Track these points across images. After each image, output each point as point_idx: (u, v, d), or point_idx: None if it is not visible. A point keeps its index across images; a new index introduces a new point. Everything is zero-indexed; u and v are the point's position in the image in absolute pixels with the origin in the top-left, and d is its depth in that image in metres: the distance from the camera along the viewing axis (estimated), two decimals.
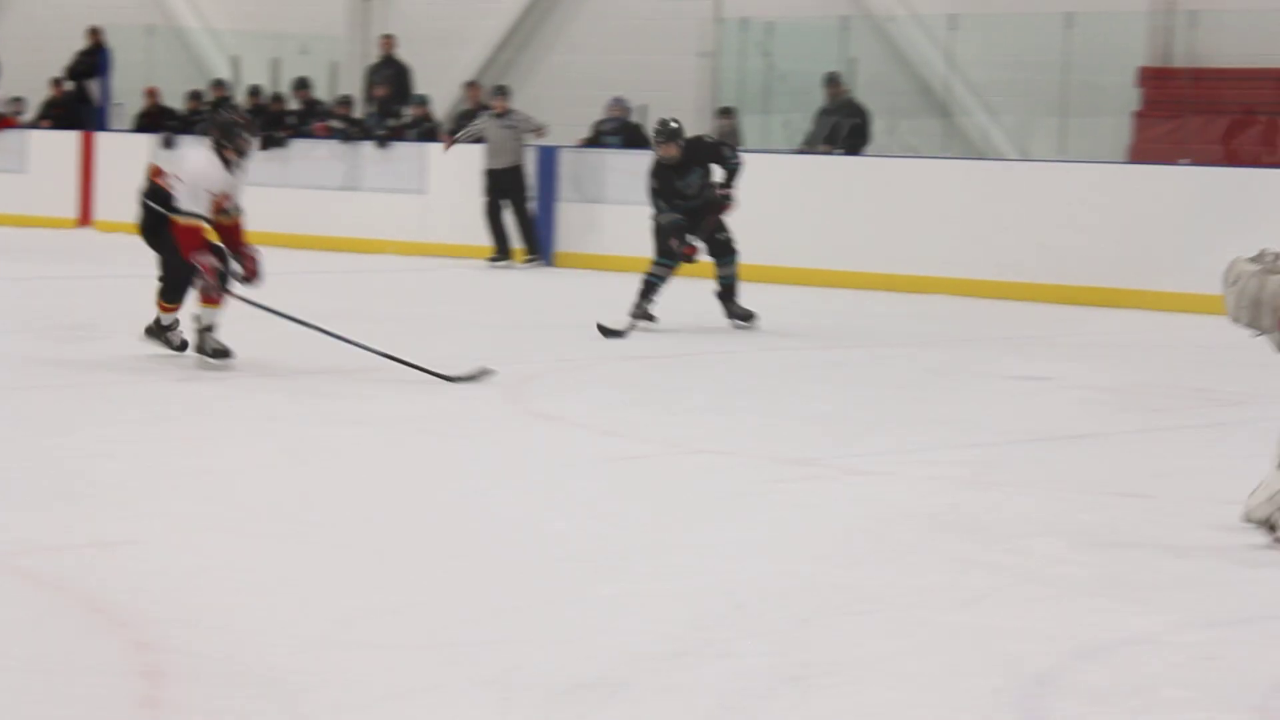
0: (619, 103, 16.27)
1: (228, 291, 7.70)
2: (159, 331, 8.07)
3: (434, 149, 15.63)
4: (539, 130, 14.75)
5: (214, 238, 7.70)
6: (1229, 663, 3.86)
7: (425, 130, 16.22)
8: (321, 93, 17.56)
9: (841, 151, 14.86)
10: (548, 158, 15.46)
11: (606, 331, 9.34)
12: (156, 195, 7.85)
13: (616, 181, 15.37)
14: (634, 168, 15.84)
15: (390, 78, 16.83)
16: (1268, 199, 12.60)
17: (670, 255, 10.39)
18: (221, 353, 7.88)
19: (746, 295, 10.51)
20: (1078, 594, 4.39)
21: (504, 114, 14.78)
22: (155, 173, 8.04)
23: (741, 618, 4.13)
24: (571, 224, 15.55)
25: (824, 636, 4.00)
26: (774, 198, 13.77)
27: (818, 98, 15.72)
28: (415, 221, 15.61)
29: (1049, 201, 12.60)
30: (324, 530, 4.90)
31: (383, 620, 3.92)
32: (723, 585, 4.41)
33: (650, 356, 9.20)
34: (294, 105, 16.96)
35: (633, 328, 9.77)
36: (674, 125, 10.83)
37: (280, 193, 15.80)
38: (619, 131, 16.18)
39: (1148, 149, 14.60)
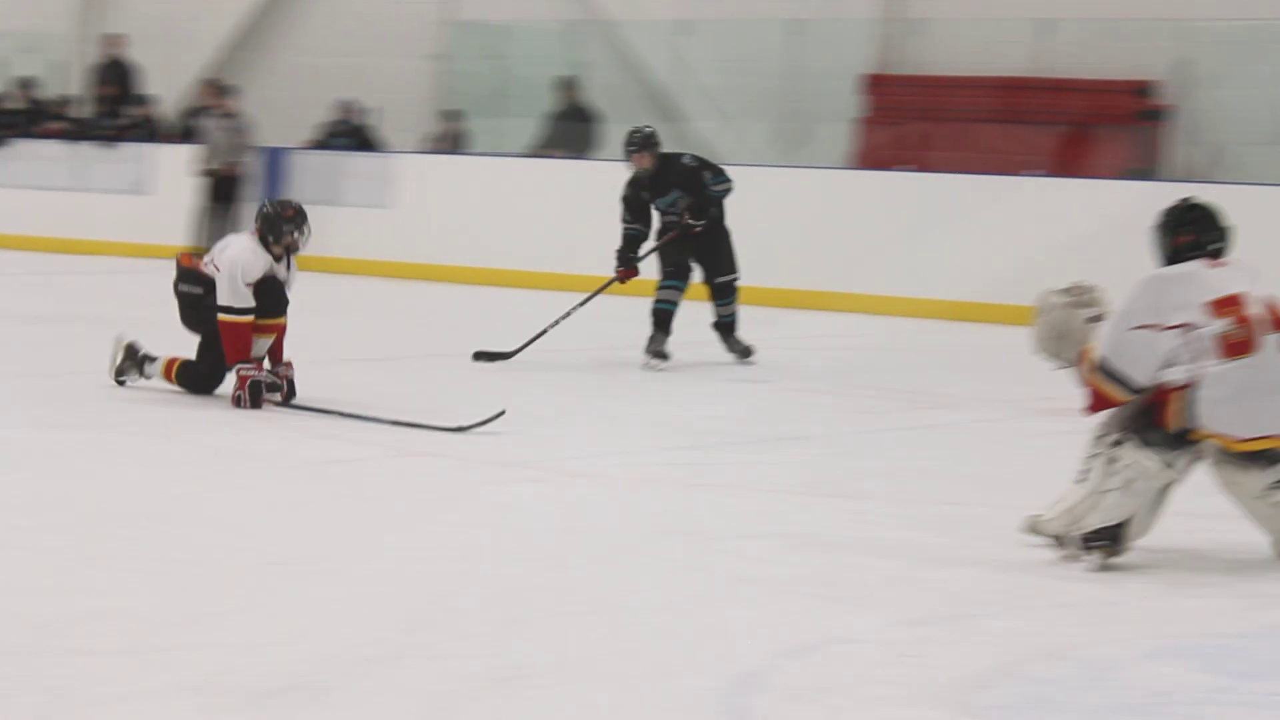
0: (348, 105, 16.41)
1: (259, 406, 7.16)
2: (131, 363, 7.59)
3: (158, 149, 15.61)
4: (246, 139, 14.90)
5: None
6: (931, 660, 3.99)
7: (149, 130, 16.12)
8: (47, 92, 17.45)
9: (571, 155, 15.12)
10: (276, 159, 15.45)
11: (486, 356, 8.80)
12: (191, 278, 7.37)
13: (346, 184, 15.59)
14: (364, 170, 16.16)
15: (115, 77, 16.70)
16: (986, 204, 13.12)
17: (677, 276, 9.53)
18: None
19: (472, 300, 10.47)
20: (786, 594, 4.49)
21: (228, 115, 14.73)
22: (187, 259, 7.59)
23: (451, 619, 4.15)
24: None
25: (534, 637, 4.04)
26: (505, 201, 13.98)
27: (548, 101, 16.02)
28: (139, 222, 15.55)
29: (772, 206, 12.92)
30: (25, 534, 4.81)
31: (85, 626, 3.86)
32: (434, 587, 4.44)
33: (371, 359, 9.18)
34: (18, 104, 16.78)
35: (650, 366, 9.19)
36: (647, 131, 9.69)
37: (4, 193, 15.88)
38: (348, 134, 16.32)
39: (870, 155, 15.01)
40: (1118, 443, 5.39)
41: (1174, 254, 5.41)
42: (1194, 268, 5.31)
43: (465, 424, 6.72)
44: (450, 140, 16.78)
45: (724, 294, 9.33)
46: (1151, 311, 5.32)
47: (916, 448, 7.17)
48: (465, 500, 5.80)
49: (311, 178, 15.54)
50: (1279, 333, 5.18)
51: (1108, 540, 5.25)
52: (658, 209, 9.56)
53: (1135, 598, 4.80)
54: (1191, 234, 5.45)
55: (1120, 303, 5.39)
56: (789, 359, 9.85)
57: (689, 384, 8.83)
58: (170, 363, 7.38)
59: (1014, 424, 8.27)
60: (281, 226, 7.27)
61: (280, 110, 17.11)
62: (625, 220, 9.53)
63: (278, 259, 7.27)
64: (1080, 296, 5.74)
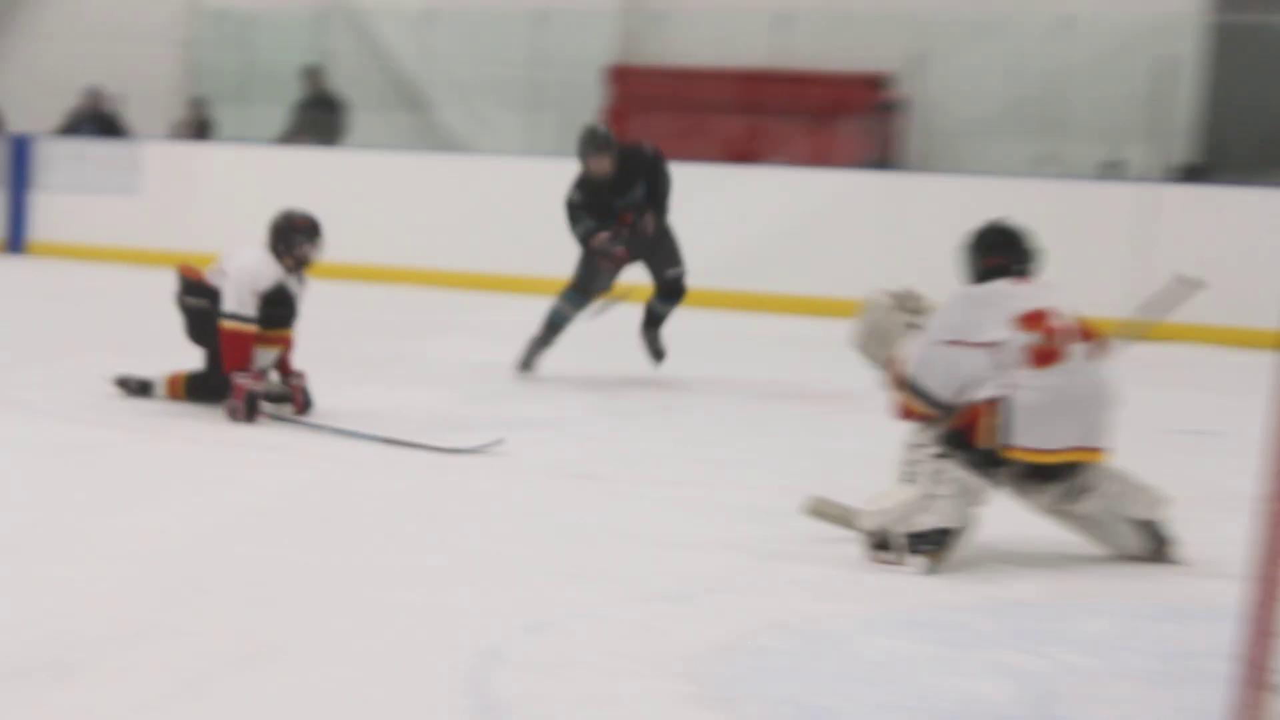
0: (94, 91, 16.45)
1: (253, 419, 6.95)
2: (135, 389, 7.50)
3: None
4: None
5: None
6: (665, 634, 4.16)
7: None
8: None
9: (318, 143, 15.40)
10: (21, 147, 15.52)
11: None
12: (197, 291, 7.21)
13: (92, 171, 15.73)
14: (110, 157, 16.22)
15: None
16: (725, 191, 13.61)
17: (583, 291, 8.78)
18: None
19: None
20: (528, 573, 4.65)
21: None
22: (189, 270, 7.35)
23: (200, 599, 4.21)
24: (48, 214, 15.79)
25: (282, 617, 4.13)
26: (251, 190, 14.11)
27: (295, 90, 16.20)
28: None
29: (519, 195, 13.30)
30: None
31: None
32: (183, 567, 4.50)
33: (111, 347, 9.23)
34: None
35: (525, 367, 8.72)
36: (603, 131, 8.88)
37: None
38: (94, 120, 16.40)
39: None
40: (944, 454, 5.45)
41: (983, 274, 5.49)
42: (1001, 286, 5.39)
43: (463, 446, 6.58)
44: (197, 128, 16.82)
45: (674, 291, 8.79)
46: (959, 329, 5.42)
47: (658, 431, 7.38)
48: (216, 483, 5.88)
49: (58, 165, 15.67)
50: (1086, 343, 5.30)
51: (935, 545, 5.32)
52: (617, 208, 8.83)
53: (866, 574, 5.02)
54: (1002, 256, 5.52)
55: (931, 320, 5.49)
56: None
57: (418, 369, 9.05)
58: (173, 379, 7.27)
59: (751, 407, 8.53)
60: (293, 238, 7.18)
61: (26, 98, 17.12)
62: (583, 225, 8.67)
63: (289, 270, 7.19)
64: (906, 303, 5.87)
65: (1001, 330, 5.26)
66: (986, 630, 4.61)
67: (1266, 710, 3.52)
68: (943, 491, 5.35)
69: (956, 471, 5.35)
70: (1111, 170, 14.77)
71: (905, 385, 5.46)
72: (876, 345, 5.77)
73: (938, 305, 5.66)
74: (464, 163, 15.54)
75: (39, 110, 16.63)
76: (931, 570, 5.18)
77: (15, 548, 4.62)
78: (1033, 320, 5.05)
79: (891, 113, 15.44)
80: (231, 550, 4.80)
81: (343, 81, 16.50)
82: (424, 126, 17.00)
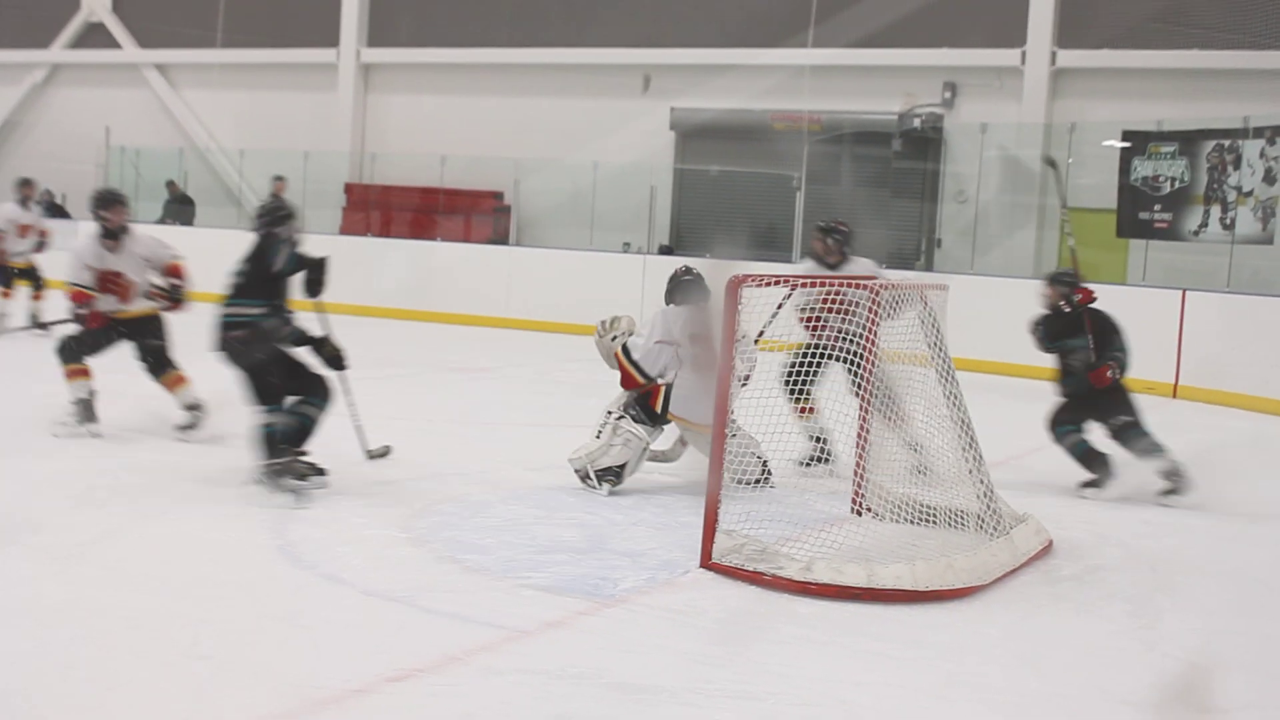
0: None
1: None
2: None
3: None
4: None
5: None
6: (388, 505, 7.24)
7: None
8: None
9: (180, 224, 21.52)
10: None
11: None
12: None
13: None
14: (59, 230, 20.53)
15: None
16: (414, 253, 19.70)
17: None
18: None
19: None
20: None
21: None
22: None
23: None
24: None
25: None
26: None
27: (164, 193, 22.82)
28: None
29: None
30: None
31: None
32: None
33: None
34: None
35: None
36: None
37: None
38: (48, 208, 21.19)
39: (350, 228, 22.22)
40: (622, 416, 7.56)
41: (669, 302, 7.73)
42: (678, 310, 7.58)
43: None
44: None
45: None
46: (666, 333, 7.61)
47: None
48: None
49: None
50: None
51: (613, 476, 7.52)
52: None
53: (509, 473, 8.71)
54: (680, 295, 7.70)
55: (648, 325, 7.65)
56: None
57: None
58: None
59: (426, 376, 11.67)
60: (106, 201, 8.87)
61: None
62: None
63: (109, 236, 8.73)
64: (610, 328, 7.93)
65: (681, 339, 7.37)
66: (565, 500, 7.46)
67: (715, 543, 6.14)
68: (617, 441, 7.44)
69: (631, 427, 7.49)
70: (627, 247, 20.78)
71: (630, 364, 7.55)
72: (604, 355, 7.93)
73: (631, 321, 7.92)
74: None
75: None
76: (611, 492, 7.48)
77: None
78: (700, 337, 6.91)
79: (503, 213, 22.40)
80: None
81: (193, 189, 23.50)
82: (242, 216, 23.29)
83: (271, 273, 7.58)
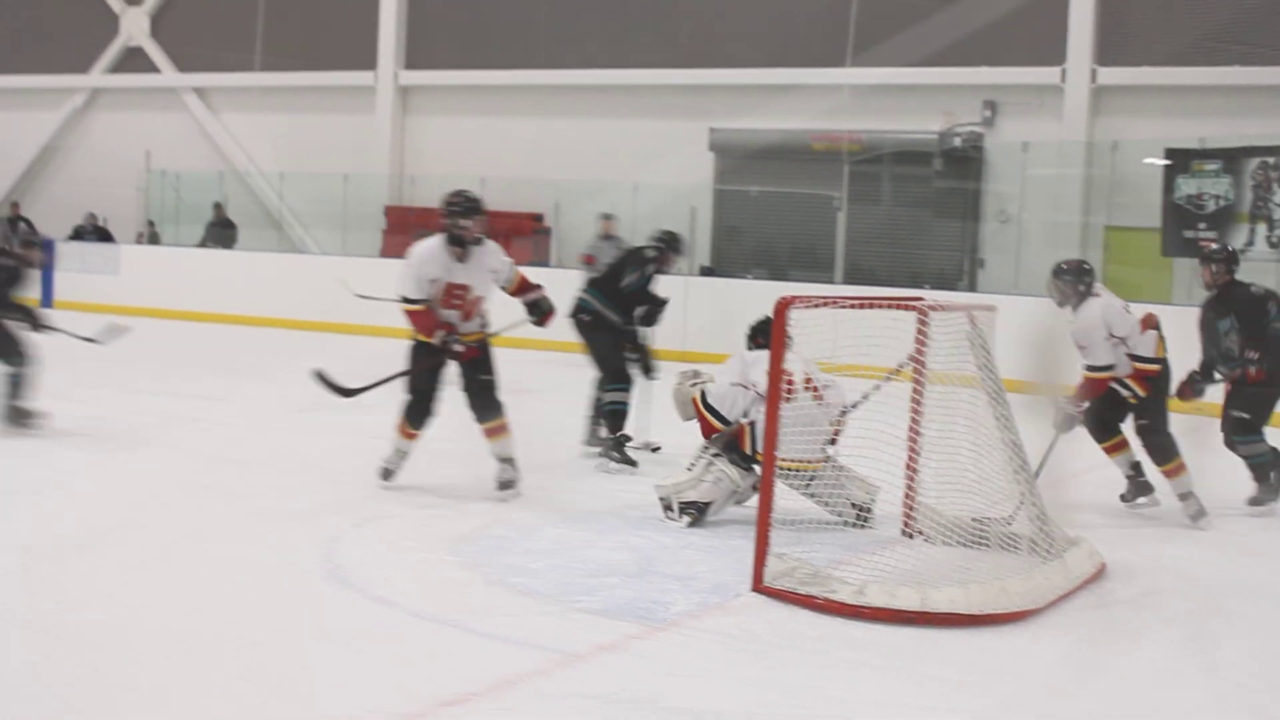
0: (90, 215, 23.38)
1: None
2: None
3: None
4: None
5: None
6: (436, 527, 7.51)
7: None
8: None
9: (221, 247, 22.10)
10: (49, 246, 20.24)
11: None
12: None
13: (92, 261, 22.05)
14: (101, 253, 22.03)
15: None
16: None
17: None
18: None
19: None
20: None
21: None
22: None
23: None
24: (64, 285, 21.31)
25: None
26: (183, 274, 21.20)
27: (208, 215, 23.06)
28: None
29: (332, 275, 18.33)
30: None
31: None
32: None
33: None
34: None
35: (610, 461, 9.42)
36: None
37: None
38: (93, 231, 22.98)
39: (391, 250, 21.20)
40: (719, 454, 7.45)
41: (751, 346, 7.69)
42: (760, 354, 7.24)
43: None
44: (150, 237, 23.44)
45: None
46: (740, 376, 7.56)
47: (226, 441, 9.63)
48: None
49: (70, 257, 21.82)
50: (809, 390, 7.21)
51: (695, 511, 7.45)
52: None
53: (551, 494, 8.17)
54: (761, 339, 7.57)
55: (724, 370, 7.65)
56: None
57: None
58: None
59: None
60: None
61: (51, 218, 23.55)
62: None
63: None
64: (688, 379, 8.02)
65: (760, 380, 7.05)
66: (613, 524, 7.52)
67: (767, 566, 6.11)
68: (709, 478, 7.37)
69: (725, 467, 7.43)
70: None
71: (704, 413, 7.54)
72: (681, 407, 7.95)
73: (712, 374, 7.80)
74: (304, 259, 22.17)
75: (58, 224, 23.69)
76: (690, 525, 7.41)
77: None
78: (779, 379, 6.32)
79: (543, 235, 22.47)
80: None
81: (233, 212, 23.71)
82: (282, 239, 24.33)
83: (618, 285, 9.16)
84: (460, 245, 7.88)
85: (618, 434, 9.22)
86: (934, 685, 5.36)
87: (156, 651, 5.19)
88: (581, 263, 15.82)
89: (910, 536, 7.24)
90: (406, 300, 7.91)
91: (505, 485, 8.18)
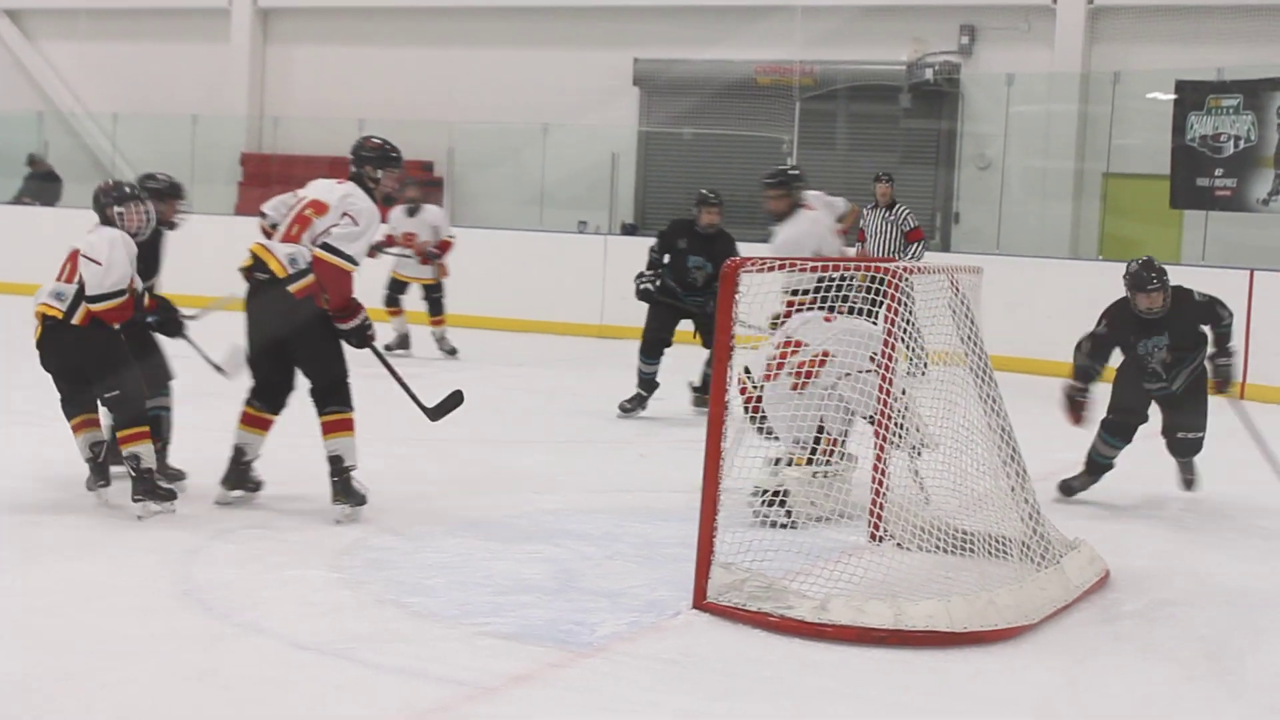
0: None
1: None
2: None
3: None
4: None
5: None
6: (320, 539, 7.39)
7: None
8: None
9: (42, 204, 21.65)
10: None
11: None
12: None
13: None
14: None
15: None
16: None
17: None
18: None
19: None
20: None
21: None
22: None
23: None
24: None
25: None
26: None
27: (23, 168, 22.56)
28: None
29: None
30: None
31: None
32: None
33: None
34: None
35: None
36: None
37: None
38: None
39: (247, 207, 20.67)
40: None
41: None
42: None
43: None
44: None
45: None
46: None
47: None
48: None
49: None
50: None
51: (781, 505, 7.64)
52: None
53: (439, 504, 8.20)
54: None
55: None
56: None
57: None
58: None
59: None
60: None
61: None
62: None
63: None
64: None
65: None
66: (526, 531, 7.64)
67: (711, 578, 6.22)
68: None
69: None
70: (584, 227, 20.94)
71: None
72: None
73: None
74: None
75: None
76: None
77: None
78: None
79: (433, 187, 21.80)
80: None
81: (55, 161, 23.28)
82: None
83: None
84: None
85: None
86: (911, 715, 5.43)
87: None
88: None
89: (880, 541, 7.28)
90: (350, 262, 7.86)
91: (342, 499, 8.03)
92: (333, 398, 7.93)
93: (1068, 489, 9.36)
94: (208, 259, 14.05)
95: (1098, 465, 9.38)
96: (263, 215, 8.09)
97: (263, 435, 8.18)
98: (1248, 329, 14.43)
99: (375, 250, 12.16)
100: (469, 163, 22.82)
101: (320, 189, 7.90)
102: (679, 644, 6.09)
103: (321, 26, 24.40)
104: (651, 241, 12.08)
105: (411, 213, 15.74)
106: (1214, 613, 7.00)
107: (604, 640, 6.08)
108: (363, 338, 7.91)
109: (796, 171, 10.38)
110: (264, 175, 22.96)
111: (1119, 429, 9.35)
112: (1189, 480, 9.42)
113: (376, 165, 7.87)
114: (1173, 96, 18.25)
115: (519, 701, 5.38)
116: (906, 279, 7.18)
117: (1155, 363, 9.15)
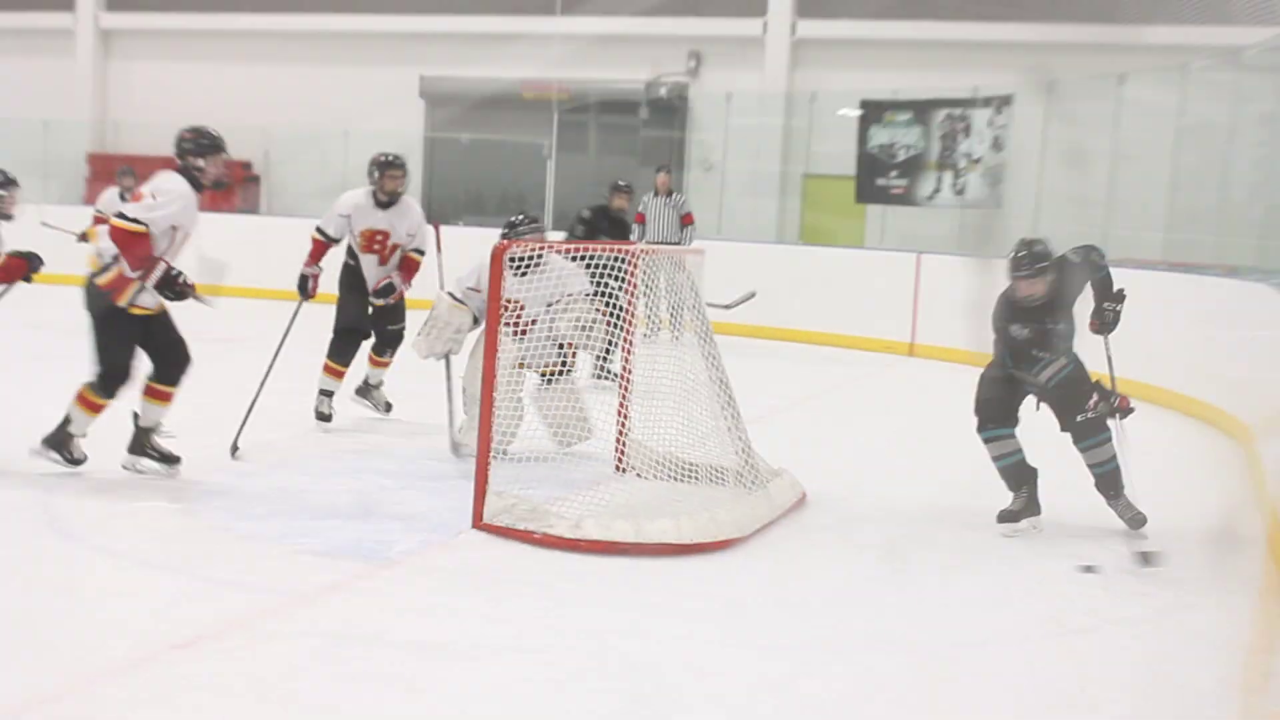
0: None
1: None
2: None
3: None
4: None
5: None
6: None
7: None
8: None
9: None
10: None
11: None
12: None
13: None
14: None
15: None
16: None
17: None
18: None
19: None
20: None
21: None
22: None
23: None
24: None
25: None
26: None
27: None
28: None
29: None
30: None
31: None
32: None
33: None
34: None
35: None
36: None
37: None
38: None
39: (95, 199, 19.08)
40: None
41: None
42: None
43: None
44: None
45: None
46: (479, 281, 7.92)
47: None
48: None
49: None
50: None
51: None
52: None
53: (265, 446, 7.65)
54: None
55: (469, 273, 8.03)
56: None
57: None
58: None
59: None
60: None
61: None
62: None
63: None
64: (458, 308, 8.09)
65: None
66: (334, 467, 7.75)
67: (487, 504, 6.33)
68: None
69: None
70: None
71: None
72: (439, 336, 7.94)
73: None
74: None
75: None
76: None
77: None
78: None
79: (252, 182, 22.60)
80: None
81: None
82: None
83: None
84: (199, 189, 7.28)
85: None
86: (651, 611, 5.59)
87: None
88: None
89: (623, 472, 7.45)
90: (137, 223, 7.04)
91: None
92: (94, 384, 7.31)
93: (1011, 516, 7.17)
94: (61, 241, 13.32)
95: (1009, 471, 7.19)
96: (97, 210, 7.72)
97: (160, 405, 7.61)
98: (916, 300, 14.92)
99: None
100: (283, 163, 22.76)
101: (147, 183, 7.32)
102: (461, 557, 6.20)
103: (157, 46, 23.97)
104: None
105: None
106: (891, 528, 7.22)
107: (400, 555, 6.16)
108: (174, 286, 7.10)
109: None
110: (108, 173, 21.47)
111: (991, 420, 7.18)
112: (1136, 519, 7.05)
113: (196, 154, 7.23)
114: (858, 112, 18.85)
115: (331, 606, 5.43)
116: (645, 259, 7.31)
117: (1023, 342, 6.92)
